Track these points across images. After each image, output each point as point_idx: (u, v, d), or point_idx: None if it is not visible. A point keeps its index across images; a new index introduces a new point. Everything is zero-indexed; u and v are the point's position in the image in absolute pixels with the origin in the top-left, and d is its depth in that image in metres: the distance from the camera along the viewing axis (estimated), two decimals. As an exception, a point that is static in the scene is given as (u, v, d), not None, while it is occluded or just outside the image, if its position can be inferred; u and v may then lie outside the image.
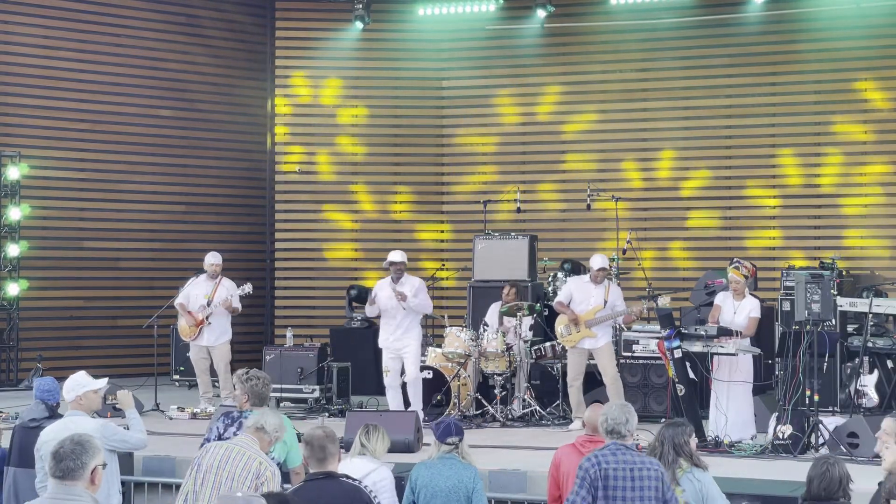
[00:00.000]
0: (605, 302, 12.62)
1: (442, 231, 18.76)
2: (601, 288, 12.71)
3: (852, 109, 16.81)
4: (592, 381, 13.05)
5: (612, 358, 12.72)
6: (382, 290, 12.80)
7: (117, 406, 8.28)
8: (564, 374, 13.31)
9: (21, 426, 8.32)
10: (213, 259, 13.85)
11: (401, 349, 12.64)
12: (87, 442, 5.32)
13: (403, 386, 12.75)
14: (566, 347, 12.83)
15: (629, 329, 13.20)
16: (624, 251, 14.89)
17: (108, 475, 7.46)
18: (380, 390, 15.54)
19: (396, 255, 12.87)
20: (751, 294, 12.08)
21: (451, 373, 13.14)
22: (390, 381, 12.72)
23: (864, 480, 7.35)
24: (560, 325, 12.81)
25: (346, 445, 7.99)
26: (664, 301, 12.75)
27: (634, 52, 17.75)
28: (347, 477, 6.38)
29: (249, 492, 5.89)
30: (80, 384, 7.73)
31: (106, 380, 8.09)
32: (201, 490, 6.55)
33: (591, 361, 12.79)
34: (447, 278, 17.49)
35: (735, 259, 12.39)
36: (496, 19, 18.14)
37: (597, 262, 12.80)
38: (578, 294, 12.79)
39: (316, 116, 18.85)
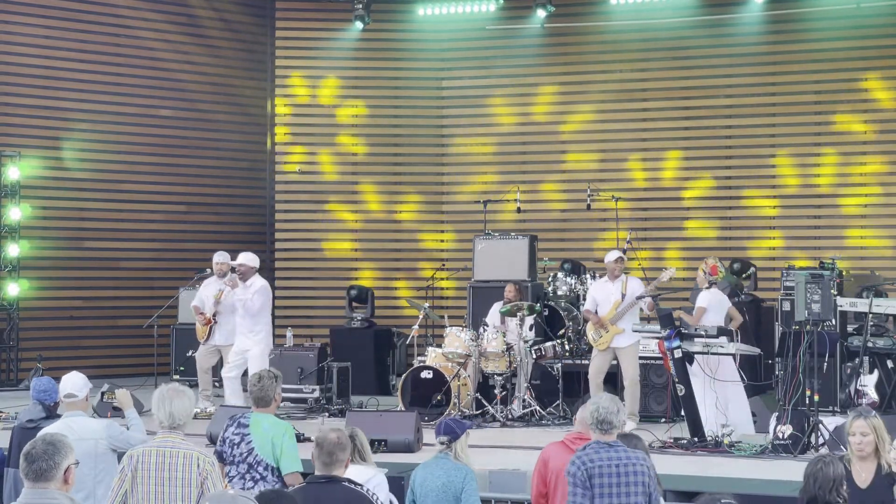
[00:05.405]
0: (623, 296, 12.73)
1: (442, 231, 18.75)
2: (618, 283, 12.84)
3: (852, 109, 16.80)
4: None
5: (634, 360, 12.71)
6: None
7: (116, 405, 8.25)
8: (565, 374, 13.34)
9: (19, 427, 8.31)
10: (219, 258, 13.84)
11: (246, 351, 13.15)
12: (60, 441, 5.28)
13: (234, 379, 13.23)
14: (595, 349, 12.87)
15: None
16: (624, 251, 14.87)
17: (106, 475, 7.45)
18: (381, 390, 15.59)
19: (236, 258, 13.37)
20: (705, 289, 12.38)
21: (451, 373, 13.13)
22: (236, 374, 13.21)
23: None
24: (590, 332, 12.90)
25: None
26: (670, 273, 12.84)
27: (634, 52, 17.74)
28: (351, 482, 6.27)
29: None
30: (86, 384, 7.66)
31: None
32: (144, 501, 6.43)
33: (614, 361, 12.84)
34: (447, 278, 17.47)
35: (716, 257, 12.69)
36: (496, 19, 18.13)
37: (607, 256, 13.01)
38: (599, 296, 12.95)
39: (316, 116, 18.84)
